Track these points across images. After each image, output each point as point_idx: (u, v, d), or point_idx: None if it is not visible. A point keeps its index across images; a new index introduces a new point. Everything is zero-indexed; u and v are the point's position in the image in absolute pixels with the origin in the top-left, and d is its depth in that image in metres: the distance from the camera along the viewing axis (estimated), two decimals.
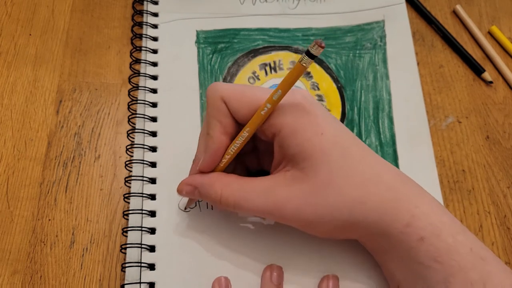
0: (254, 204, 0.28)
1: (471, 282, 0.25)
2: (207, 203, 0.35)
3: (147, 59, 0.40)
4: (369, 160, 0.28)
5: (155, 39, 0.41)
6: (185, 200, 0.34)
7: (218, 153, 0.29)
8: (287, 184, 0.28)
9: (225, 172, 0.31)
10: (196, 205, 0.35)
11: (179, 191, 0.31)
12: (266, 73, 0.41)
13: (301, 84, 0.40)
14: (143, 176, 0.35)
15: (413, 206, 0.27)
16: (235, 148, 0.29)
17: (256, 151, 0.33)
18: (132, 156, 0.36)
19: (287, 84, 0.26)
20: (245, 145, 0.30)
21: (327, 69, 0.41)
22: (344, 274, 0.33)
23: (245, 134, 0.28)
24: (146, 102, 0.38)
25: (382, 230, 0.27)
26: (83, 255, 0.33)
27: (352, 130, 0.39)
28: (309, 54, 0.25)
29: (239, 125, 0.29)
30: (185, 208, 0.34)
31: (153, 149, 0.37)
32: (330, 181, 0.27)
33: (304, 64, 0.25)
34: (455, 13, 0.46)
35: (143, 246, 0.33)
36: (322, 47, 0.24)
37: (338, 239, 0.32)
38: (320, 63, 0.42)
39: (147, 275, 0.32)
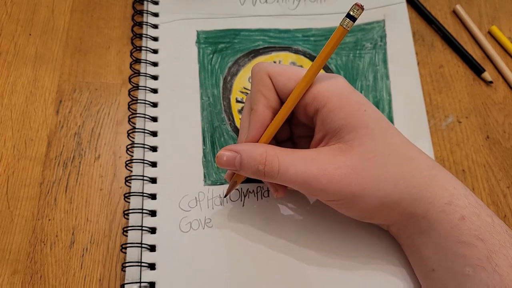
0: (300, 170, 0.28)
1: (511, 258, 0.26)
2: (208, 202, 0.35)
3: (148, 59, 0.40)
4: (407, 142, 0.30)
5: (155, 39, 0.41)
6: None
7: (262, 126, 0.30)
8: (334, 155, 0.28)
9: None
10: (196, 205, 0.35)
11: (219, 158, 0.29)
12: None
13: None
14: (143, 176, 0.35)
15: (452, 186, 0.28)
16: (280, 117, 0.29)
17: (291, 140, 0.34)
18: (132, 156, 0.36)
19: (329, 48, 0.27)
20: (282, 132, 0.30)
21: (327, 69, 0.41)
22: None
23: (289, 102, 0.29)
24: (147, 102, 0.38)
25: (423, 209, 0.28)
26: (83, 255, 0.33)
27: None
28: (350, 16, 0.26)
29: (282, 102, 0.30)
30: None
31: (154, 149, 0.37)
32: (376, 154, 0.28)
33: (345, 27, 0.27)
34: (455, 13, 0.46)
35: (143, 245, 0.33)
36: (362, 9, 0.26)
37: (372, 221, 0.32)
38: None
39: (148, 275, 0.32)
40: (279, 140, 0.33)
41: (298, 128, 0.33)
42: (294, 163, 0.28)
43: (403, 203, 0.28)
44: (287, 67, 0.30)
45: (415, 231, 0.30)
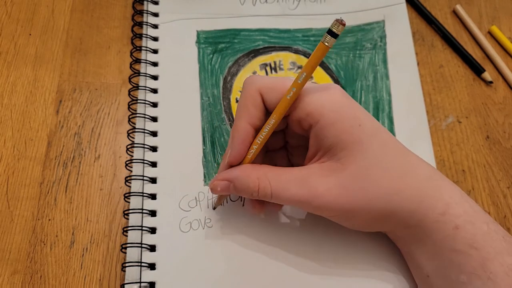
0: (292, 193, 0.28)
1: (508, 266, 0.26)
2: (208, 202, 0.35)
3: (148, 59, 0.40)
4: (404, 153, 0.29)
5: (155, 39, 0.41)
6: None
7: (244, 143, 0.29)
8: (324, 175, 0.28)
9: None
10: (196, 204, 0.35)
11: (214, 189, 0.30)
12: (267, 73, 0.41)
13: None
14: (143, 176, 0.35)
15: (447, 196, 0.28)
16: (263, 136, 0.29)
17: (285, 148, 0.33)
18: (132, 156, 0.36)
19: (311, 66, 0.27)
20: (276, 142, 0.30)
21: (327, 69, 0.41)
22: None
23: (272, 120, 0.29)
24: (147, 102, 0.38)
25: (417, 220, 0.28)
26: (83, 255, 0.33)
27: None
28: (331, 33, 0.25)
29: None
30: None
31: (154, 149, 0.37)
32: (368, 171, 0.28)
33: (326, 44, 0.26)
34: (455, 13, 0.46)
35: (143, 245, 0.33)
36: (343, 25, 0.25)
37: (370, 231, 0.32)
38: (320, 63, 0.42)
39: (147, 275, 0.32)
40: (271, 149, 0.33)
41: (294, 139, 0.32)
42: (286, 186, 0.28)
43: (398, 215, 0.28)
44: (281, 81, 0.29)
45: (410, 239, 0.30)
